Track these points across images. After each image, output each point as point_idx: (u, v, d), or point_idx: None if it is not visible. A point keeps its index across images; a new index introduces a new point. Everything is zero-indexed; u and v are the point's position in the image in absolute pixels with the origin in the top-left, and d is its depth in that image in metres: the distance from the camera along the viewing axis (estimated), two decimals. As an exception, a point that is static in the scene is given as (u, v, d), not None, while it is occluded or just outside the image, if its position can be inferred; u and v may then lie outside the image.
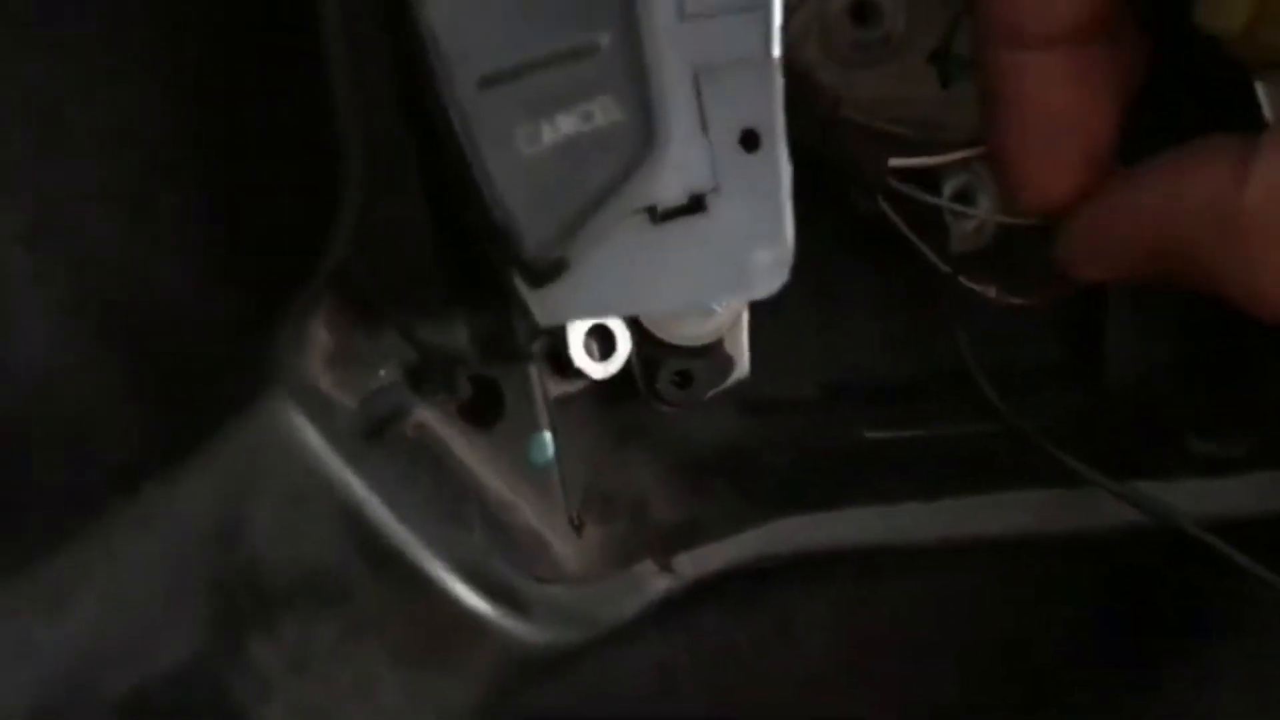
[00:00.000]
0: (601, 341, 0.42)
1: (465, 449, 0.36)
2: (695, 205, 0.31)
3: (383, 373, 0.35)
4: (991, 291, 0.49)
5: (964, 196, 0.54)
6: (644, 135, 0.29)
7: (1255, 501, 0.42)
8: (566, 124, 0.28)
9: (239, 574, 0.33)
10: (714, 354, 0.46)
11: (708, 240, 0.31)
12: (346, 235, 0.35)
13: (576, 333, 0.41)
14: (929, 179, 0.51)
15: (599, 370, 0.41)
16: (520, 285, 0.30)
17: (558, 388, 0.41)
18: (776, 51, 0.32)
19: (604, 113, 0.28)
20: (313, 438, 0.33)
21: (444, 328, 0.35)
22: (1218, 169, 0.38)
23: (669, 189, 0.30)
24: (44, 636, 0.32)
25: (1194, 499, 0.42)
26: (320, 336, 0.34)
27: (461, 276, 0.35)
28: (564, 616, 0.36)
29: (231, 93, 0.40)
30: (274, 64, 0.39)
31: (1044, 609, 0.48)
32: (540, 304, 0.30)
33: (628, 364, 0.44)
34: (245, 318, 0.36)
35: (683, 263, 0.31)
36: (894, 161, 0.48)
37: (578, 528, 0.38)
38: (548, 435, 0.38)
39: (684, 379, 0.45)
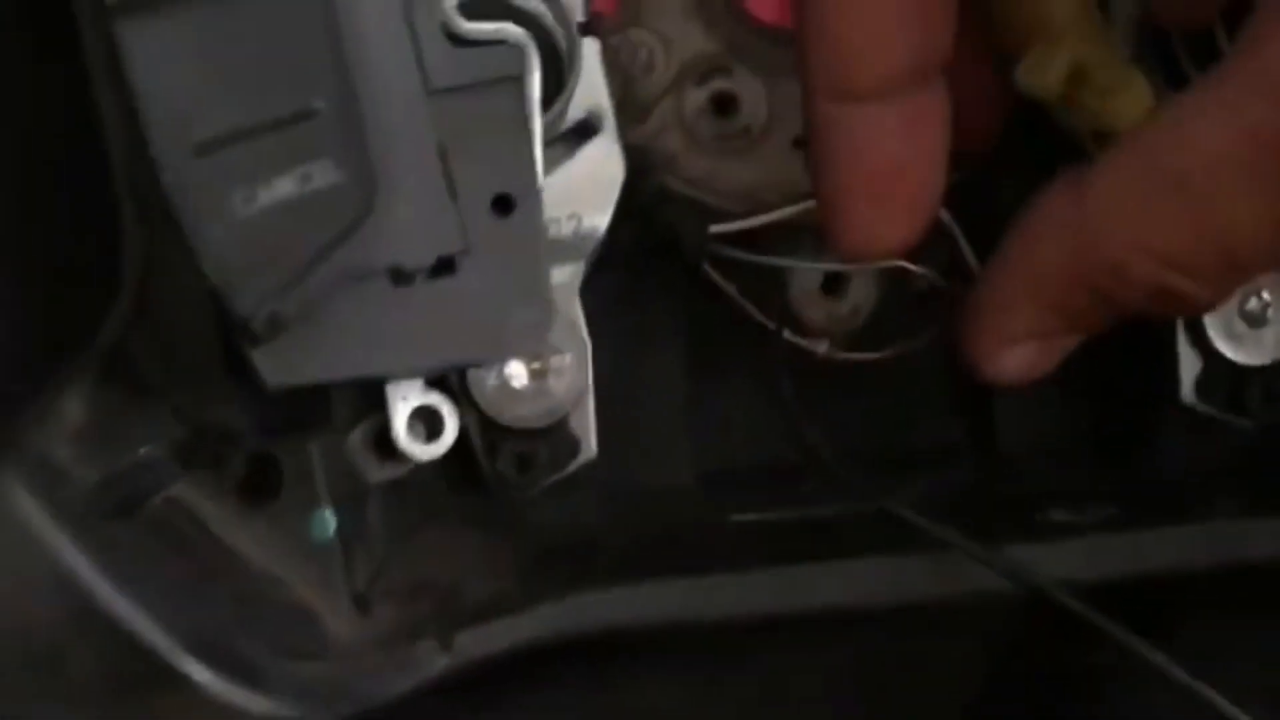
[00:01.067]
0: (430, 422, 0.42)
1: (231, 526, 0.36)
2: (444, 267, 0.31)
3: (144, 450, 0.36)
4: (822, 346, 0.50)
5: (832, 283, 0.55)
6: (363, 197, 0.29)
7: (1117, 564, 0.41)
8: (284, 187, 0.29)
9: None
10: (557, 435, 0.46)
11: (459, 301, 0.32)
12: (122, 314, 0.35)
13: (401, 412, 0.41)
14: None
15: (424, 452, 0.41)
16: (246, 345, 0.30)
17: (382, 471, 0.42)
18: (534, 121, 0.33)
19: (322, 175, 0.29)
20: (34, 511, 0.34)
21: (220, 405, 0.36)
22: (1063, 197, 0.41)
23: (411, 250, 0.31)
24: None
25: (1052, 564, 0.41)
26: (73, 411, 0.35)
27: (240, 354, 0.35)
28: (317, 693, 0.36)
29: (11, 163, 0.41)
30: (40, 119, 0.40)
31: (909, 686, 0.46)
32: (269, 364, 0.31)
33: (463, 444, 0.44)
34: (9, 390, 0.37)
35: (432, 324, 0.31)
36: (715, 228, 0.49)
37: (362, 605, 0.38)
38: (328, 513, 0.38)
39: (524, 462, 0.45)
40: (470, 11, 0.33)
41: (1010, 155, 0.51)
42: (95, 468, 0.35)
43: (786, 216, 0.51)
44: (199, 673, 0.34)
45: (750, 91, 0.55)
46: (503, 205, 0.32)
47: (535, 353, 0.33)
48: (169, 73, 0.28)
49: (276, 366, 0.31)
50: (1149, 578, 0.42)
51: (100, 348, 0.36)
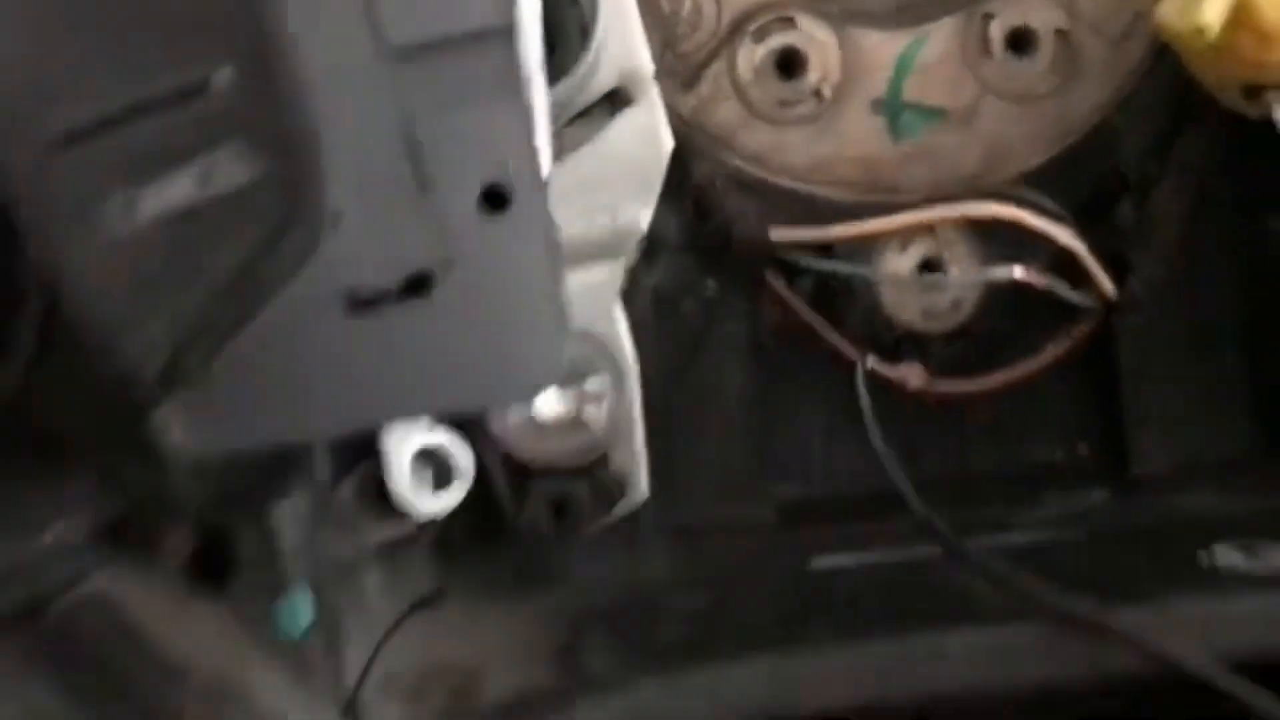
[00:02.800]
0: (437, 467, 0.35)
1: (177, 620, 0.29)
2: (416, 286, 0.23)
3: (49, 535, 0.28)
4: (914, 378, 0.41)
5: (929, 266, 0.46)
6: (288, 199, 0.21)
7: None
8: (177, 189, 0.21)
9: None
10: (598, 474, 0.38)
11: (436, 333, 0.24)
12: (19, 361, 0.28)
13: (399, 458, 0.34)
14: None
15: (429, 505, 0.34)
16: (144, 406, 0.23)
17: (385, 529, 0.34)
18: (534, 85, 0.25)
19: (228, 171, 0.21)
20: None
21: (151, 465, 0.28)
22: None
23: (370, 268, 0.23)
24: None
25: (1215, 627, 0.32)
26: None
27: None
28: None
29: None
30: None
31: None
32: (186, 425, 0.23)
33: (487, 491, 0.37)
34: None
35: (400, 365, 0.23)
36: (776, 234, 0.40)
37: (352, 713, 0.30)
38: (299, 602, 0.30)
39: (561, 507, 0.38)
40: None
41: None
42: None
43: (870, 232, 0.42)
44: None
45: (819, 46, 0.47)
46: (494, 200, 0.24)
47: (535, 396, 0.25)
48: (15, 29, 0.21)
49: (198, 429, 0.23)
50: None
51: None
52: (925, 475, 0.43)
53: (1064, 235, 0.38)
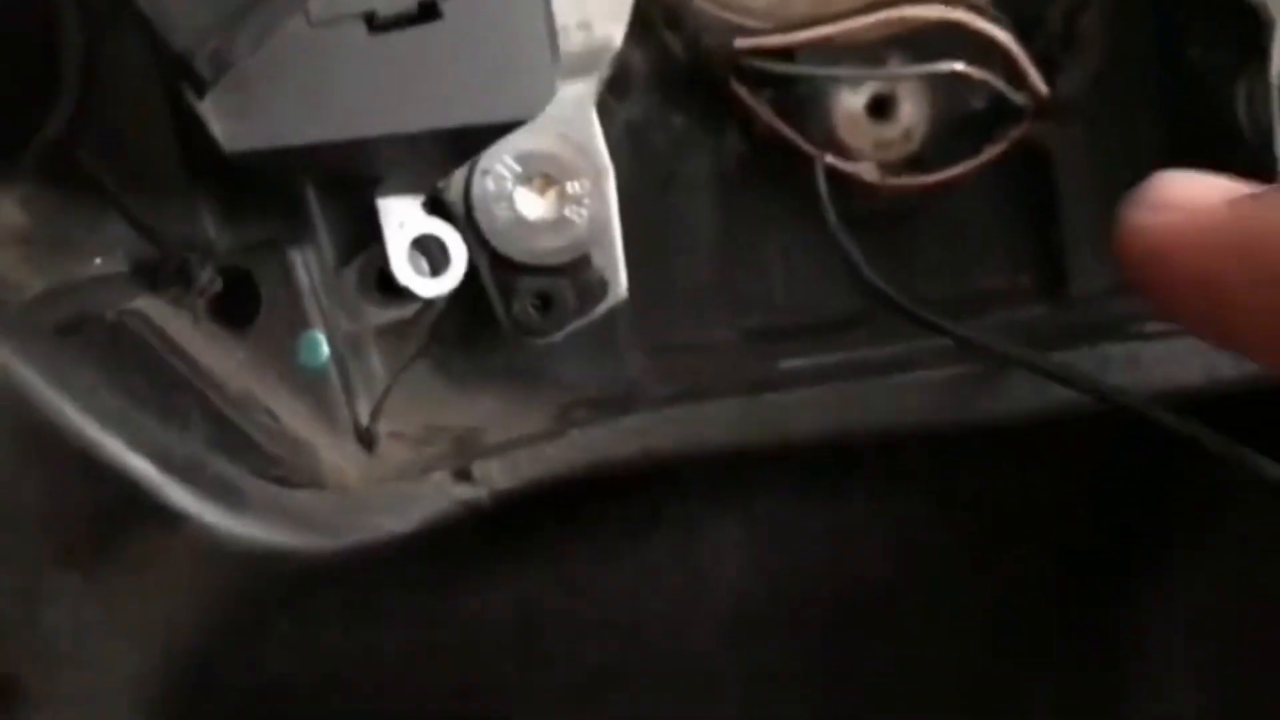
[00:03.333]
0: (432, 252, 0.38)
1: (208, 349, 0.32)
2: (427, 12, 0.26)
3: (99, 261, 0.31)
4: (869, 172, 0.44)
5: (880, 102, 0.50)
6: None
7: (1222, 367, 0.36)
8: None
9: None
10: (581, 272, 0.41)
11: (445, 53, 0.27)
12: (64, 110, 0.31)
13: (398, 243, 0.37)
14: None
15: (428, 288, 0.37)
16: (195, 101, 0.26)
17: (383, 313, 0.37)
18: None
19: (267, -121, 0.24)
20: None
21: (183, 215, 0.31)
22: None
23: (385, -9, 0.26)
24: None
25: (1147, 370, 0.36)
26: (9, 213, 0.30)
27: (211, 158, 0.30)
28: (307, 521, 0.31)
29: None
30: None
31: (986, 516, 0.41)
32: (226, 125, 0.26)
33: (474, 284, 0.40)
34: None
35: (413, 80, 0.26)
36: (741, 41, 0.43)
37: (366, 441, 0.33)
38: (318, 335, 0.33)
39: (545, 302, 0.41)
40: None
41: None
42: (39, 276, 0.30)
43: (825, 36, 0.45)
44: (170, 493, 0.29)
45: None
46: None
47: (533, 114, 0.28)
48: None
49: (235, 128, 0.26)
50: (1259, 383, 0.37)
51: (38, 149, 0.31)
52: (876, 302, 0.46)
53: (1002, 35, 0.42)
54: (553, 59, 0.28)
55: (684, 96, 0.48)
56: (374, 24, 0.26)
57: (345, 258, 0.37)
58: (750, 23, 0.48)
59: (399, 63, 0.26)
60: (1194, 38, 0.47)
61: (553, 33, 0.28)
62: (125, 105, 0.31)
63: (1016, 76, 0.42)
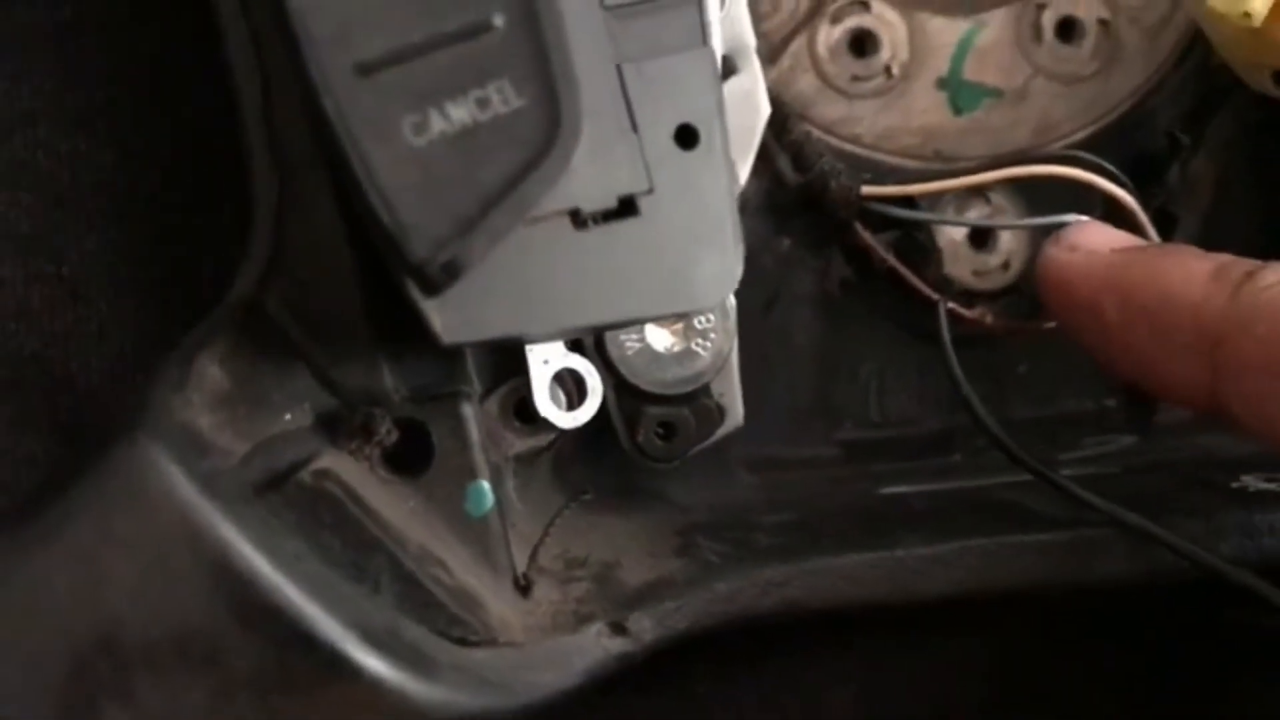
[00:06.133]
0: (571, 388, 0.39)
1: (384, 499, 0.33)
2: (626, 209, 0.28)
3: (289, 416, 0.33)
4: (988, 317, 0.46)
5: (980, 235, 0.51)
6: (548, 124, 0.26)
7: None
8: (459, 112, 0.25)
9: (95, 637, 0.30)
10: (700, 402, 0.43)
11: (642, 247, 0.28)
12: (256, 264, 0.32)
13: (541, 378, 0.38)
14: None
15: (567, 420, 0.38)
16: (418, 297, 0.27)
17: (521, 442, 0.38)
18: (715, 42, 0.29)
19: (502, 99, 0.26)
20: (181, 484, 0.30)
21: (365, 367, 0.33)
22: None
23: (592, 191, 0.27)
24: None
25: (1238, 537, 0.37)
26: (210, 374, 0.32)
27: (387, 309, 0.32)
28: (488, 682, 0.32)
29: (135, 118, 0.38)
30: (171, 68, 0.37)
31: (1073, 667, 0.42)
32: (444, 318, 0.27)
33: (606, 416, 0.41)
34: (145, 357, 0.34)
35: (613, 273, 0.28)
36: (866, 190, 0.45)
37: (524, 588, 0.35)
38: (485, 485, 0.34)
39: (668, 430, 0.42)
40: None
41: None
42: (239, 437, 0.32)
43: (950, 189, 0.47)
44: (370, 663, 0.30)
45: (890, 28, 0.51)
46: (686, 137, 0.28)
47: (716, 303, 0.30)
48: (327, -14, 0.25)
49: (453, 321, 0.27)
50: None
51: (233, 305, 0.32)
52: (970, 425, 0.48)
53: (1128, 198, 0.43)
54: (737, 248, 0.29)
55: (792, 220, 0.50)
56: (579, 220, 0.28)
57: (486, 388, 0.38)
58: (856, 149, 0.50)
59: (601, 256, 0.28)
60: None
61: (737, 222, 0.29)
62: (310, 258, 0.32)
63: (1134, 229, 0.44)
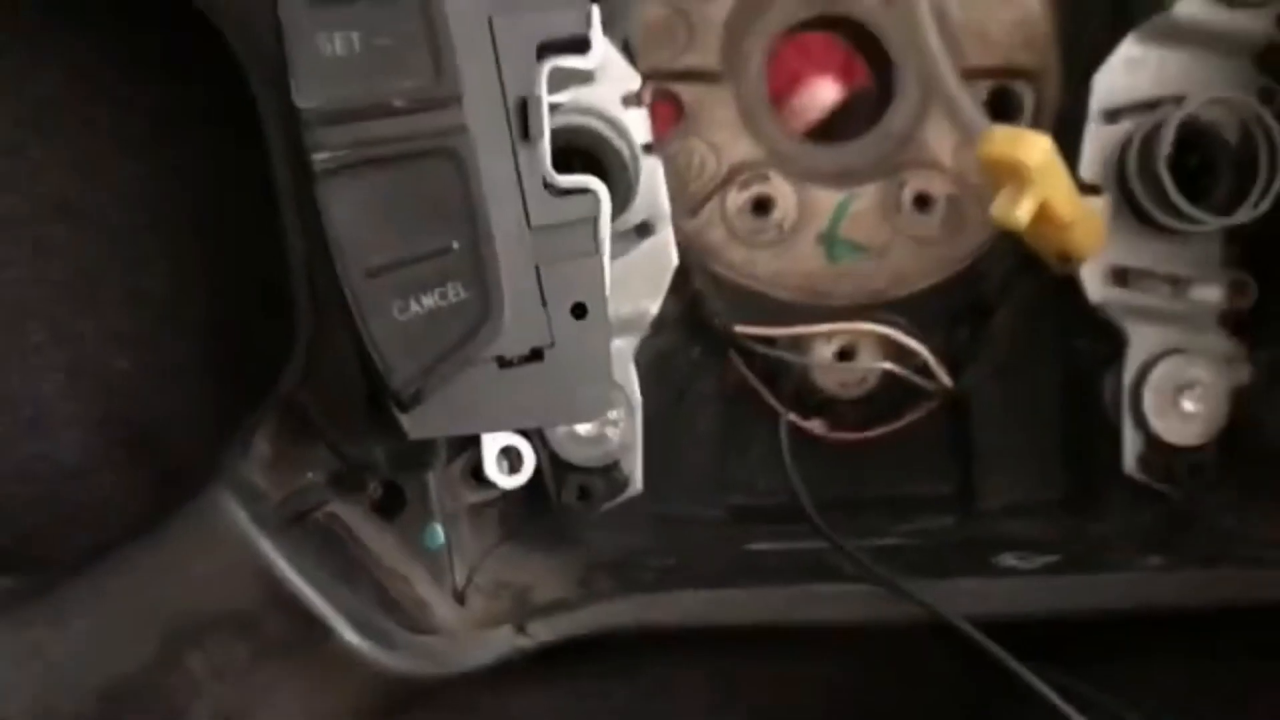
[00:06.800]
0: (512, 459, 0.55)
1: (371, 534, 0.50)
2: (535, 355, 0.44)
3: (310, 474, 0.49)
4: (818, 428, 0.61)
5: (845, 353, 0.66)
6: (484, 309, 0.42)
7: (1030, 602, 0.53)
8: (428, 300, 0.41)
9: (182, 607, 0.48)
10: (611, 473, 0.58)
11: (545, 381, 0.44)
12: (295, 374, 0.49)
13: (490, 450, 0.54)
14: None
15: (508, 482, 0.54)
16: (395, 410, 0.43)
17: (474, 496, 0.54)
18: (604, 249, 0.45)
19: (455, 293, 0.41)
20: (241, 519, 0.48)
21: (363, 446, 0.49)
22: None
23: (511, 346, 0.43)
24: (47, 642, 0.48)
25: (972, 598, 0.52)
26: (262, 446, 0.49)
27: (379, 408, 0.48)
28: (427, 657, 0.49)
29: (223, 265, 0.56)
30: (247, 247, 0.54)
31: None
32: (411, 422, 0.43)
33: (538, 479, 0.57)
34: (224, 432, 0.50)
35: (525, 396, 0.44)
36: (740, 329, 0.61)
37: (460, 598, 0.50)
38: (438, 527, 0.50)
39: (584, 493, 0.58)
40: (559, 161, 0.45)
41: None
42: (279, 488, 0.48)
43: (799, 334, 0.63)
44: (355, 639, 0.48)
45: (783, 195, 0.67)
46: (579, 311, 0.44)
47: (594, 419, 0.45)
48: (354, 220, 0.40)
49: (416, 423, 0.43)
50: (1068, 616, 0.53)
51: (278, 398, 0.49)
52: (830, 498, 0.62)
53: (914, 344, 0.60)
54: (609, 384, 0.45)
55: (701, 334, 0.65)
56: (503, 362, 0.43)
57: (452, 456, 0.54)
58: (753, 285, 0.66)
59: (516, 386, 0.43)
60: (1080, 332, 0.63)
61: (610, 367, 0.45)
62: (331, 371, 0.48)
63: (928, 372, 0.60)
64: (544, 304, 0.44)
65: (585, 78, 0.48)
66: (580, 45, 0.43)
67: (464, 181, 0.41)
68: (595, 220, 0.44)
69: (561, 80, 0.45)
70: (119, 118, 0.57)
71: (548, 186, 0.44)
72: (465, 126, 0.41)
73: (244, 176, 0.53)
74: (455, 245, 0.41)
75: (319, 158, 0.40)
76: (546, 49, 0.43)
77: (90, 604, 0.47)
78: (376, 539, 0.49)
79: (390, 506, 0.50)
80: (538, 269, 0.43)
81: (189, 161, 0.58)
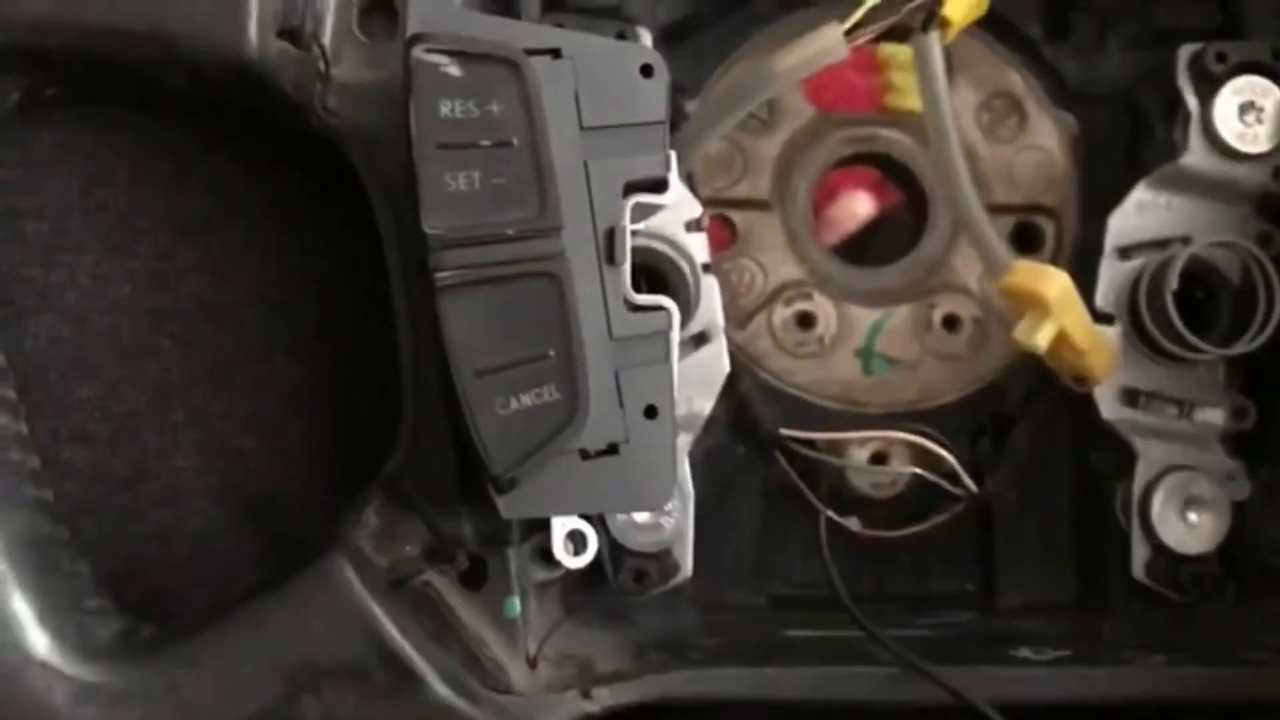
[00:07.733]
0: (577, 542, 0.61)
1: (458, 602, 0.57)
2: (611, 450, 0.51)
3: (409, 547, 0.56)
4: (856, 526, 0.68)
5: (879, 457, 0.73)
6: (572, 408, 0.49)
7: (1044, 690, 0.58)
8: (526, 399, 0.48)
9: (300, 659, 0.55)
10: (664, 559, 0.65)
11: (619, 473, 0.51)
12: (399, 458, 0.56)
13: (559, 534, 0.60)
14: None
15: (573, 562, 0.60)
16: (493, 492, 0.49)
17: (542, 574, 0.60)
18: (674, 359, 0.52)
19: (550, 393, 0.48)
20: (355, 582, 0.56)
21: (454, 523, 0.56)
22: None
23: (592, 440, 0.50)
24: (184, 682, 0.55)
25: (991, 685, 0.58)
26: (370, 520, 0.56)
27: (470, 490, 0.55)
28: (506, 714, 0.57)
29: (340, 358, 0.65)
30: (360, 343, 0.64)
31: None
32: (506, 503, 0.50)
33: (598, 561, 0.63)
34: (333, 505, 0.58)
35: (602, 485, 0.51)
36: (783, 431, 0.67)
37: (532, 664, 0.57)
38: (515, 599, 0.57)
39: (639, 576, 0.64)
40: (638, 282, 0.53)
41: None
42: (384, 556, 0.55)
43: (840, 439, 0.69)
44: (446, 692, 0.55)
45: (825, 312, 0.74)
46: (650, 412, 0.51)
47: (659, 507, 0.52)
48: (467, 328, 0.48)
49: (510, 505, 0.50)
50: (1078, 705, 0.58)
51: (384, 478, 0.56)
52: (862, 590, 0.68)
53: (942, 452, 0.66)
54: (673, 478, 0.52)
55: (747, 434, 0.72)
56: (585, 455, 0.50)
57: (524, 537, 0.60)
58: (795, 392, 0.72)
59: (595, 476, 0.50)
60: (1094, 446, 0.70)
61: (674, 463, 0.52)
62: (431, 455, 0.55)
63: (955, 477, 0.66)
64: (621, 405, 0.51)
65: (658, 209, 0.55)
66: (660, 186, 0.51)
67: (561, 299, 0.48)
68: (667, 333, 0.52)
69: (641, 213, 0.53)
70: (250, 226, 0.66)
71: (627, 303, 0.51)
72: (564, 253, 0.49)
73: (358, 283, 0.61)
74: (551, 353, 0.48)
75: (441, 275, 0.47)
76: (631, 188, 0.51)
77: (221, 651, 0.55)
78: (463, 606, 0.56)
79: (475, 579, 0.57)
80: (617, 375, 0.51)
81: (311, 265, 0.67)
